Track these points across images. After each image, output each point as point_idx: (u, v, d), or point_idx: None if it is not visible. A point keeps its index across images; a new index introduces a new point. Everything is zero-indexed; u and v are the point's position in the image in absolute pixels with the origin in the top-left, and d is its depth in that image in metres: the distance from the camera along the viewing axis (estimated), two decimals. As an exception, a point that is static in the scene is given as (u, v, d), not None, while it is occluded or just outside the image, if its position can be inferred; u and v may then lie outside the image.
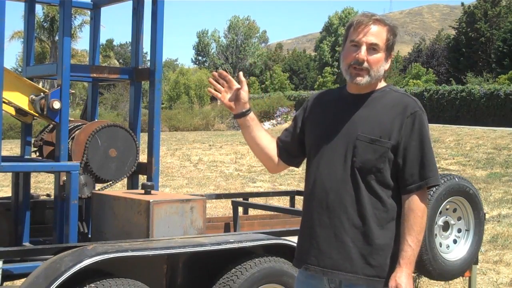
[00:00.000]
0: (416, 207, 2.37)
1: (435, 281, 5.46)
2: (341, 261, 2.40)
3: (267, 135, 2.64)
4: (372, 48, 2.41)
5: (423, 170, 2.38)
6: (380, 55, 2.42)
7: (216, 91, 2.55)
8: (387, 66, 2.48)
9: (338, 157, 2.43)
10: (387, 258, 2.39)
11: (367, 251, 2.38)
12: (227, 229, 5.44)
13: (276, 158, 2.64)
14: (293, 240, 3.62)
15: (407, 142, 2.38)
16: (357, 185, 2.39)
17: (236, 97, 2.53)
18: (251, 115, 2.57)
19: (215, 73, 2.55)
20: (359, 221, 2.38)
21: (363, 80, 2.42)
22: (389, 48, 2.46)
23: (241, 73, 2.61)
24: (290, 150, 2.64)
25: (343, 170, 2.41)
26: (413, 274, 5.47)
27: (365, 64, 2.41)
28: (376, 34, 2.41)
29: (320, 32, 76.60)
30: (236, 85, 2.54)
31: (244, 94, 2.53)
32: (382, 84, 2.51)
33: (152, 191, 3.96)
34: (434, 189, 4.05)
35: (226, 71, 2.59)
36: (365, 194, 2.38)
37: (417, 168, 2.38)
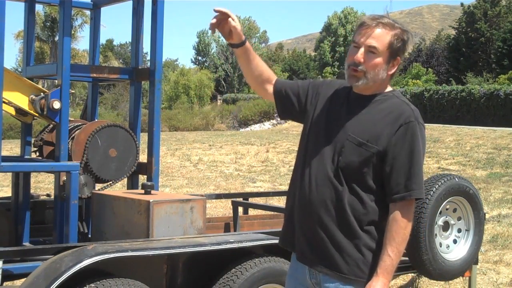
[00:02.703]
0: (399, 218, 2.35)
1: (435, 281, 5.45)
2: (318, 256, 2.43)
3: (261, 64, 2.65)
4: (371, 51, 2.39)
5: (409, 182, 2.35)
6: (379, 59, 2.40)
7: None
8: (391, 70, 2.45)
9: (327, 154, 2.44)
10: (363, 258, 2.38)
11: (342, 249, 2.39)
12: (227, 229, 5.44)
13: (267, 88, 2.66)
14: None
15: (397, 152, 2.35)
16: (340, 184, 2.39)
17: (230, 29, 2.51)
18: (247, 44, 2.57)
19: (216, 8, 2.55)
20: (337, 219, 2.39)
21: (358, 82, 2.42)
22: (392, 52, 2.41)
23: (221, 8, 2.55)
24: (285, 102, 2.65)
25: (329, 168, 2.42)
26: (413, 274, 5.46)
27: (361, 67, 2.39)
28: (377, 37, 2.38)
29: (320, 32, 76.62)
30: (231, 17, 2.50)
31: (236, 23, 2.48)
32: (388, 88, 2.50)
33: (152, 191, 3.96)
34: (434, 189, 4.05)
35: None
36: (345, 193, 2.38)
37: (403, 178, 2.35)
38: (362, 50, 2.39)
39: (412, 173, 2.35)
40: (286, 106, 2.66)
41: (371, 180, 2.38)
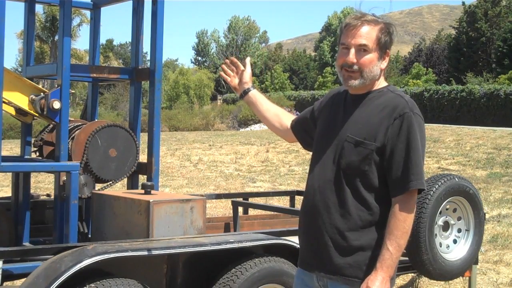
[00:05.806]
0: (397, 211, 2.31)
1: (435, 281, 5.45)
2: (323, 260, 2.42)
3: (272, 109, 2.81)
4: (362, 49, 2.40)
5: (407, 174, 2.31)
6: (371, 56, 2.40)
7: (228, 75, 2.86)
8: (383, 64, 2.46)
9: (329, 158, 2.44)
10: (366, 259, 2.36)
11: (346, 251, 2.37)
12: (227, 229, 5.44)
13: (283, 128, 2.78)
14: (293, 240, 3.63)
15: (394, 145, 2.33)
16: (342, 186, 2.38)
17: (239, 79, 2.82)
18: (252, 92, 2.80)
19: (227, 60, 2.87)
20: (341, 222, 2.37)
21: (355, 82, 2.42)
22: (382, 46, 2.42)
23: (247, 58, 2.89)
24: (304, 138, 2.74)
25: (331, 170, 2.42)
26: (413, 274, 5.44)
27: (355, 67, 2.40)
28: (365, 35, 2.39)
29: (320, 32, 76.68)
30: (242, 68, 2.82)
31: (246, 75, 2.80)
32: (382, 84, 2.49)
33: (152, 191, 3.96)
34: (434, 189, 4.05)
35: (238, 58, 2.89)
36: (349, 195, 2.37)
37: (401, 171, 2.32)
38: (353, 50, 2.40)
39: (409, 164, 2.32)
40: (307, 141, 2.73)
41: (375, 179, 2.36)
